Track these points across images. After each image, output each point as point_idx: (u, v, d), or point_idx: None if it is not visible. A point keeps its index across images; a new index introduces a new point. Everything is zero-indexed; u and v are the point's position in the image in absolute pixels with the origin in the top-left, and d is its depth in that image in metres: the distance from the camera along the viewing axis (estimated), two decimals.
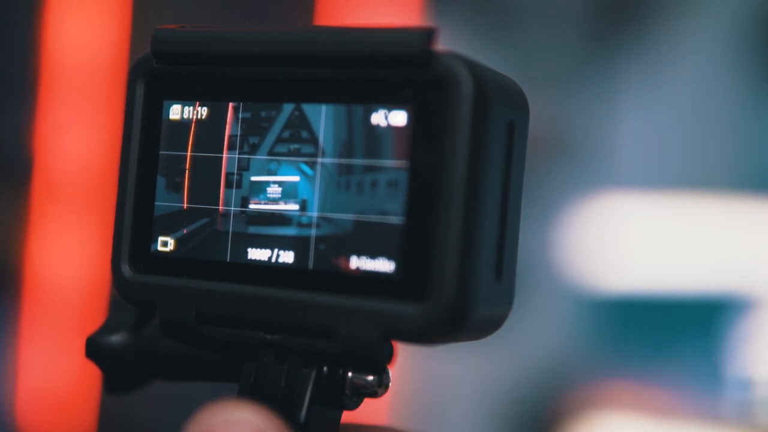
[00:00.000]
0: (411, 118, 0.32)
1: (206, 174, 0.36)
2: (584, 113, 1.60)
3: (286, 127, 0.34)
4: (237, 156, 0.35)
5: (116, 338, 0.38)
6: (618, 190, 1.60)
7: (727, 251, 1.59)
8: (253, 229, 0.35)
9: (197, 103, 0.36)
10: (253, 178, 0.35)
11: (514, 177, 0.33)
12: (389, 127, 0.33)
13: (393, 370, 0.34)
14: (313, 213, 0.34)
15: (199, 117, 0.36)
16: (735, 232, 1.59)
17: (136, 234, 0.37)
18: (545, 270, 1.58)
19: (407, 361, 1.44)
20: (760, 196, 1.59)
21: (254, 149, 0.35)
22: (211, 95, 0.36)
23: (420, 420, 1.49)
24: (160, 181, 0.36)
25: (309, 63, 0.34)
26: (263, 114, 0.35)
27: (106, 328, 0.38)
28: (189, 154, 0.36)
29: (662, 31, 1.60)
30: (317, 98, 0.34)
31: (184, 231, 0.36)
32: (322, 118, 0.34)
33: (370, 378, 0.34)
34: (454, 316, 0.31)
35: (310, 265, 0.34)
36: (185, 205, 0.36)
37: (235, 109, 0.35)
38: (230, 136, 0.35)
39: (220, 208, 0.35)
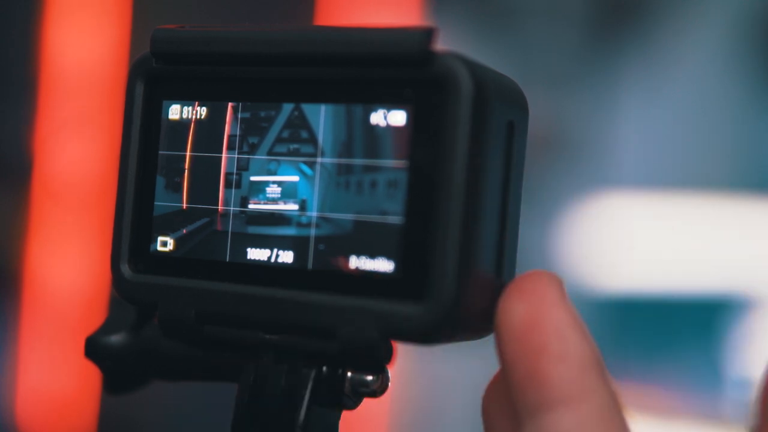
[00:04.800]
0: (410, 118, 0.32)
1: (206, 174, 0.36)
2: (584, 113, 1.60)
3: (285, 127, 0.34)
4: (236, 156, 0.35)
5: (116, 338, 0.38)
6: (618, 190, 1.60)
7: (727, 251, 1.59)
8: (252, 229, 0.35)
9: (196, 103, 0.36)
10: (253, 178, 0.35)
11: (514, 177, 0.33)
12: (389, 127, 0.33)
13: (392, 370, 0.34)
14: (313, 213, 0.34)
15: (198, 117, 0.36)
16: (735, 232, 1.59)
17: (135, 234, 0.37)
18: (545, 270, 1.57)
19: (407, 362, 1.44)
20: (760, 196, 1.59)
21: (253, 149, 0.35)
22: (211, 95, 0.36)
23: (419, 420, 1.49)
24: (160, 181, 0.36)
25: (308, 63, 0.34)
26: (262, 114, 0.35)
27: (106, 328, 0.38)
28: (188, 154, 0.36)
29: (662, 32, 1.60)
30: (317, 98, 0.34)
31: (184, 231, 0.36)
32: (322, 118, 0.34)
33: (370, 378, 0.33)
34: (454, 316, 0.31)
35: (310, 265, 0.34)
36: (185, 205, 0.36)
37: (235, 109, 0.35)
38: (229, 136, 0.35)
39: (220, 208, 0.35)
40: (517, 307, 0.31)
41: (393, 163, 0.32)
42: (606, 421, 0.30)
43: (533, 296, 0.31)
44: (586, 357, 0.30)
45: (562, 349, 0.30)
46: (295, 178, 0.34)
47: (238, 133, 0.35)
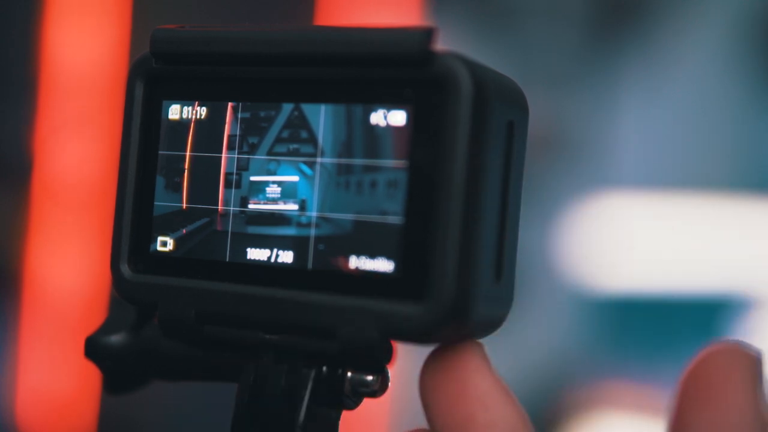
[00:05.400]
0: (410, 118, 0.32)
1: (205, 174, 0.36)
2: (584, 113, 1.60)
3: (285, 127, 0.34)
4: (236, 156, 0.35)
5: (116, 338, 0.38)
6: (618, 190, 1.60)
7: (727, 251, 1.59)
8: (252, 229, 0.35)
9: (196, 103, 0.36)
10: (253, 178, 0.35)
11: (514, 177, 0.33)
12: (388, 127, 0.33)
13: (392, 370, 0.34)
14: (313, 213, 0.34)
15: (198, 117, 0.36)
16: (735, 232, 1.59)
17: (135, 234, 0.37)
18: (545, 270, 1.58)
19: (407, 362, 1.44)
20: (760, 196, 1.59)
21: (253, 149, 0.35)
22: (211, 95, 0.36)
23: (420, 420, 1.48)
24: (160, 181, 0.36)
25: (308, 63, 0.34)
26: (262, 114, 0.35)
27: (106, 328, 0.38)
28: (188, 154, 0.36)
29: (662, 32, 1.60)
30: (316, 98, 0.34)
31: (184, 231, 0.36)
32: (322, 117, 0.34)
33: (370, 378, 0.33)
34: (454, 316, 0.31)
35: (310, 265, 0.34)
36: (184, 205, 0.36)
37: (235, 109, 0.35)
38: (229, 136, 0.35)
39: (220, 208, 0.35)
40: (440, 377, 0.31)
41: (393, 163, 0.32)
42: None
43: (454, 365, 0.31)
44: (512, 424, 0.30)
45: (488, 419, 0.30)
46: (295, 178, 0.34)
47: (238, 133, 0.35)
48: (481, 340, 0.33)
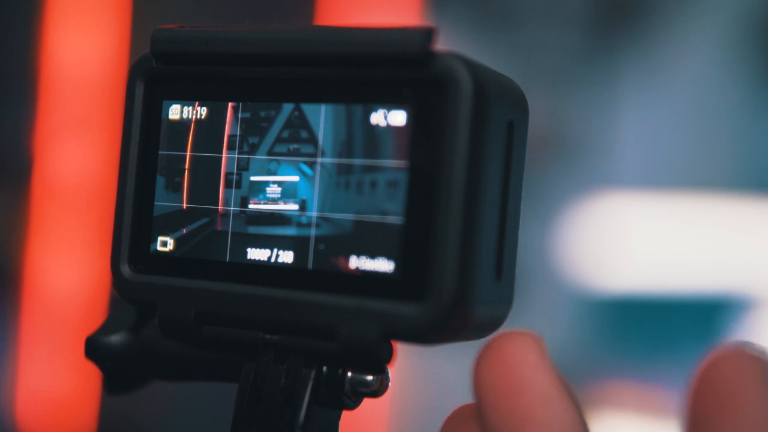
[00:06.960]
0: (410, 118, 0.32)
1: (206, 174, 0.36)
2: (584, 113, 1.60)
3: (285, 126, 0.34)
4: (236, 156, 0.35)
5: (116, 338, 0.38)
6: (618, 190, 1.60)
7: (727, 251, 1.59)
8: (252, 229, 0.35)
9: (197, 103, 0.36)
10: (253, 178, 0.35)
11: (514, 177, 0.33)
12: (389, 127, 0.33)
13: (392, 370, 0.34)
14: (313, 213, 0.34)
15: (198, 117, 0.36)
16: (735, 232, 1.59)
17: (135, 234, 0.37)
18: (545, 270, 1.58)
19: (407, 362, 1.44)
20: (760, 196, 1.59)
21: (254, 149, 0.35)
22: (211, 95, 0.36)
23: (419, 420, 1.49)
24: (160, 181, 0.36)
25: (308, 63, 0.34)
26: (263, 114, 0.35)
27: (106, 328, 0.39)
28: (188, 154, 0.36)
29: (662, 31, 1.60)
30: (317, 98, 0.34)
31: (184, 231, 0.36)
32: (322, 117, 0.34)
33: (370, 378, 0.33)
34: (454, 316, 0.31)
35: (310, 265, 0.34)
36: (185, 205, 0.36)
37: (235, 109, 0.35)
38: (230, 136, 0.35)
39: (220, 208, 0.35)
40: (498, 372, 0.30)
41: (393, 163, 0.32)
42: None
43: (514, 359, 0.30)
44: (571, 425, 0.30)
45: (548, 417, 0.29)
46: (295, 178, 0.34)
47: (238, 133, 0.35)
48: (484, 340, 0.33)
